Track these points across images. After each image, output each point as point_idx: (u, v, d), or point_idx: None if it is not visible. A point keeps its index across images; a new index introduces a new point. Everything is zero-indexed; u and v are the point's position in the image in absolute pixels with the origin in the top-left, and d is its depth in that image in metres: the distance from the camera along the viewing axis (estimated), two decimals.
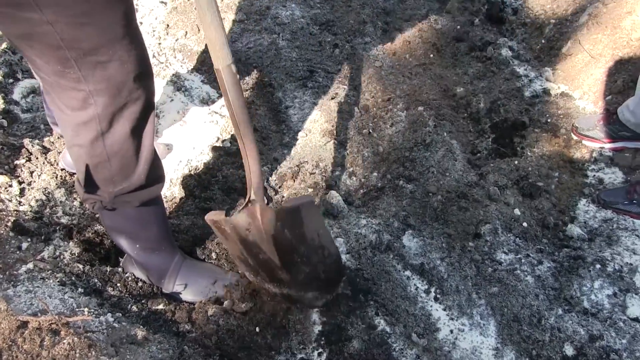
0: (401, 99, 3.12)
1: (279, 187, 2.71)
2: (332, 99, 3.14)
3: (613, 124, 2.88)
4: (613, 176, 2.84)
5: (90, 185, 1.83)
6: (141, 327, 1.98)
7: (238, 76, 1.64)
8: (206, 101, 3.10)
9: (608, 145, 2.93)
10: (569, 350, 2.20)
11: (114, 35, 1.51)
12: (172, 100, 3.04)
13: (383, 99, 3.14)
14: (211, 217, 2.01)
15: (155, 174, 1.93)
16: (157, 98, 3.04)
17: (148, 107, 1.75)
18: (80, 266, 2.16)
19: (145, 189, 1.91)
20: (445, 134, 2.92)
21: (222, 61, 1.59)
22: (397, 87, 3.19)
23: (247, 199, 1.89)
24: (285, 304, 2.17)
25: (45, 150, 2.55)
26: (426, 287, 2.32)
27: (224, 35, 1.57)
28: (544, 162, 2.89)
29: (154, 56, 3.32)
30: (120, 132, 1.71)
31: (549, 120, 3.09)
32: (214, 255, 2.36)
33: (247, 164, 1.83)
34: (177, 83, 3.14)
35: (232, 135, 2.88)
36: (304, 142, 2.93)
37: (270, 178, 2.71)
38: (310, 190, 2.66)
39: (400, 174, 2.72)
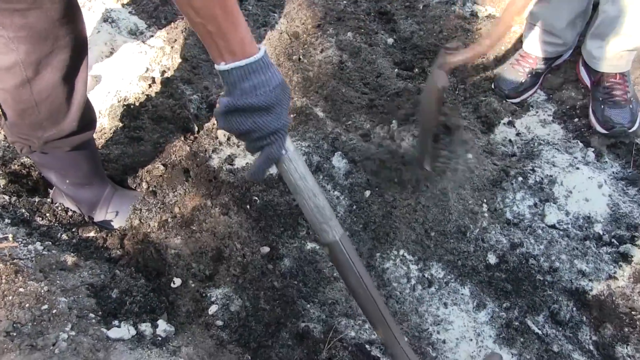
0: (331, 25, 3.13)
1: (210, 114, 2.71)
2: (262, 26, 3.12)
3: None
4: (536, 95, 2.93)
5: (18, 129, 1.79)
6: (71, 254, 2.00)
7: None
8: (134, 32, 3.04)
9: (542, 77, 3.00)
10: (492, 259, 2.31)
11: None
12: (98, 32, 2.98)
13: (313, 26, 3.13)
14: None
15: (88, 119, 1.90)
16: None
17: (80, 54, 1.69)
18: (7, 197, 2.14)
19: (77, 135, 1.88)
20: (374, 56, 2.95)
21: (336, 232, 1.46)
22: (326, 14, 3.19)
23: None
24: None
25: None
26: (354, 207, 2.38)
27: (327, 203, 1.46)
28: (473, 88, 2.97)
29: None
30: (49, 79, 1.65)
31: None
32: (144, 185, 2.36)
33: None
34: (103, 14, 3.07)
35: (161, 65, 2.86)
36: None
37: (200, 106, 2.71)
38: None
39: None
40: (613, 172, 2.60)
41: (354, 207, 2.37)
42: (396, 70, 2.98)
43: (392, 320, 1.57)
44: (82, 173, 2.09)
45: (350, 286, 1.53)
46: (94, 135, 2.48)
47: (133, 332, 1.79)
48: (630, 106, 2.67)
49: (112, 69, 2.81)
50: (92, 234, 2.18)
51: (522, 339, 2.13)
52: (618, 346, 2.14)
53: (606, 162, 2.62)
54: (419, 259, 2.29)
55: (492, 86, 2.93)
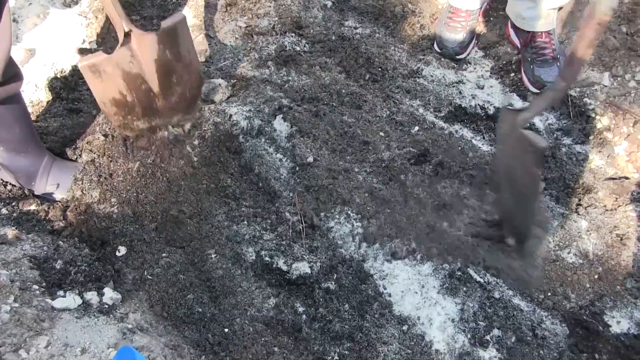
0: None
1: None
2: None
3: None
4: (473, 52, 2.99)
5: None
6: (12, 227, 1.99)
7: None
8: (69, 4, 2.98)
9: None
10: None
11: None
12: (30, 4, 2.91)
13: None
14: (89, 60, 2.06)
15: (12, 71, 1.89)
16: (14, 3, 2.90)
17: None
18: None
19: (3, 87, 1.87)
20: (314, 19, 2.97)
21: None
22: None
23: (123, 34, 2.05)
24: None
25: None
26: (297, 168, 2.41)
27: None
28: (412, 47, 3.01)
29: None
30: None
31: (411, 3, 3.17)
32: (84, 156, 2.34)
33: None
34: None
35: (98, 36, 2.81)
36: None
37: None
38: None
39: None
40: (549, 124, 2.67)
41: (297, 168, 2.39)
42: None
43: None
44: (15, 136, 2.08)
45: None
46: (32, 108, 2.46)
47: (79, 301, 1.80)
48: (558, 63, 2.74)
49: (47, 41, 2.76)
50: (33, 207, 2.16)
51: (464, 288, 2.19)
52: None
53: (542, 114, 2.69)
54: (362, 216, 2.33)
55: (437, 49, 2.96)
